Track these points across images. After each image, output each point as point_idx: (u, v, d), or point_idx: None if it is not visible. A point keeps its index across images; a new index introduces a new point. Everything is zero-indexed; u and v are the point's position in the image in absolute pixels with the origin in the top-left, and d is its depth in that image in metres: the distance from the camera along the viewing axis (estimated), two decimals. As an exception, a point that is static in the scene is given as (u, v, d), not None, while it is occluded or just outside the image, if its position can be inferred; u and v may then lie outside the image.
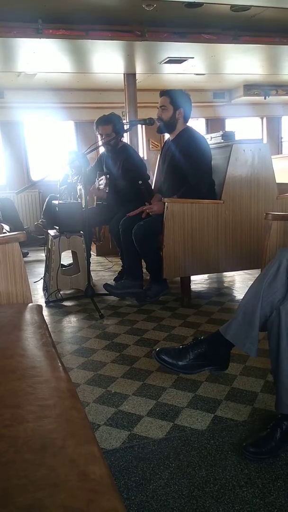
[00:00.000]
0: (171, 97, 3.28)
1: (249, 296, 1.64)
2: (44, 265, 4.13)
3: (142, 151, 7.47)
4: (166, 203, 3.12)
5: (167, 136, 3.55)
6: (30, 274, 4.14)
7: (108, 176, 3.68)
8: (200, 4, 3.83)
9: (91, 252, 4.09)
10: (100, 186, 3.74)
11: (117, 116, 3.77)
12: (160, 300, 3.43)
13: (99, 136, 3.75)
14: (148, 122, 3.36)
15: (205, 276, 4.19)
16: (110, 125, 3.66)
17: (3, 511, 0.65)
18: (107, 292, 3.48)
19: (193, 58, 5.19)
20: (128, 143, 5.08)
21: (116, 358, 2.44)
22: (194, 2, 3.74)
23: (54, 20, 4.13)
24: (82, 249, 3.58)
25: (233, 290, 3.82)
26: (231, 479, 1.45)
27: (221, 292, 3.71)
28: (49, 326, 1.74)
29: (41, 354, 1.28)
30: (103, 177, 3.71)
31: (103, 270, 4.63)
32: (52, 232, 3.72)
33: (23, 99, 6.74)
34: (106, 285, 3.48)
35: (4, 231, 4.27)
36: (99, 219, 3.88)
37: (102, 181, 3.72)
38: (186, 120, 3.35)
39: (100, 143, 3.76)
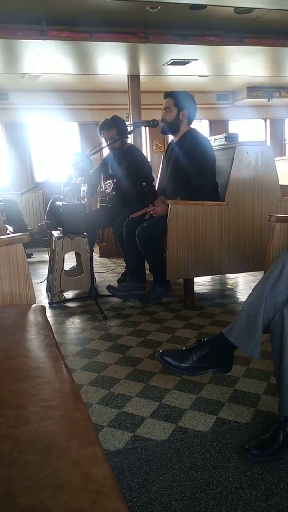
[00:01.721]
0: (175, 98, 3.29)
1: (252, 298, 1.64)
2: (47, 266, 4.14)
3: (146, 153, 7.48)
4: (169, 205, 3.12)
5: (171, 137, 3.56)
6: (33, 275, 4.15)
7: (115, 180, 3.69)
8: (204, 6, 3.83)
9: (95, 254, 4.10)
10: (106, 190, 3.74)
11: (119, 119, 3.77)
12: (163, 301, 3.43)
13: (103, 141, 3.78)
14: (152, 124, 3.36)
15: (208, 277, 4.19)
16: (113, 129, 3.69)
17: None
18: (110, 294, 3.48)
19: (196, 60, 5.19)
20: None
21: (119, 359, 2.45)
22: (198, 4, 3.74)
23: (58, 22, 4.14)
24: (86, 251, 3.58)
25: (236, 292, 3.82)
26: (234, 481, 1.44)
27: (224, 294, 3.71)
28: (52, 327, 1.74)
29: (44, 355, 1.28)
30: (110, 181, 3.71)
31: (107, 271, 4.64)
32: (55, 233, 3.73)
33: (27, 101, 6.76)
34: (109, 287, 3.48)
35: (8, 232, 4.29)
36: (103, 221, 3.89)
37: (108, 185, 3.73)
38: (190, 122, 3.36)
39: (104, 146, 3.78)
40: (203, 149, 3.25)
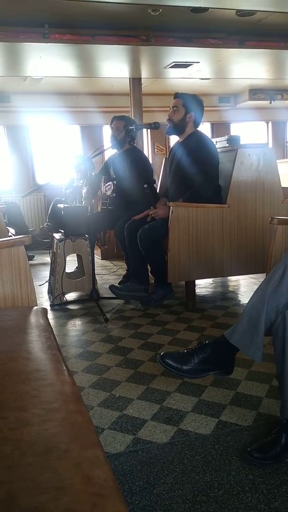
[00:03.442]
0: (185, 100, 3.32)
1: (254, 301, 1.63)
2: (49, 269, 4.14)
3: (148, 155, 7.48)
4: (171, 207, 3.12)
5: (173, 140, 3.56)
6: (35, 277, 4.16)
7: (115, 182, 3.71)
8: (206, 9, 3.84)
9: (96, 256, 4.10)
10: (107, 192, 3.75)
11: (131, 119, 4.03)
12: (164, 304, 3.43)
13: (111, 131, 3.89)
14: (153, 127, 3.37)
15: (210, 280, 4.19)
16: (123, 121, 3.83)
17: (8, 514, 0.66)
18: (112, 296, 3.48)
19: (198, 62, 5.20)
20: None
21: (121, 362, 2.44)
22: (200, 7, 3.75)
23: (60, 25, 4.15)
24: (87, 253, 3.59)
25: (238, 295, 3.81)
26: (236, 484, 1.44)
27: (226, 296, 3.71)
28: (54, 329, 1.74)
29: (46, 357, 1.28)
30: (110, 183, 3.73)
31: (108, 273, 4.64)
32: (57, 236, 3.74)
33: (29, 103, 6.77)
34: (111, 287, 3.48)
35: (9, 234, 4.29)
36: (104, 223, 3.89)
37: (109, 187, 3.74)
38: (196, 125, 3.37)
39: (105, 146, 3.80)
40: (208, 150, 3.25)
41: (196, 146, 3.25)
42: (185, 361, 1.69)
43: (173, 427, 1.78)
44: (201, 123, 3.40)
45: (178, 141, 3.47)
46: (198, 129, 3.41)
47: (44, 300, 3.78)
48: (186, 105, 3.30)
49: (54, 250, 3.80)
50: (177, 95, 3.37)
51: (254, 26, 4.39)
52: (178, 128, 3.36)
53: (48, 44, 4.24)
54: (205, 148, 3.25)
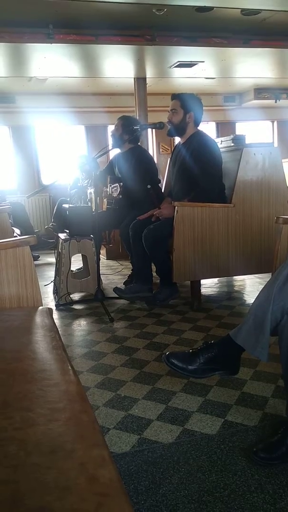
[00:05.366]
0: (182, 100, 3.29)
1: (259, 300, 1.62)
2: (54, 269, 4.15)
3: (153, 155, 7.48)
4: (176, 207, 3.12)
5: (177, 139, 3.56)
6: (40, 277, 4.17)
7: (121, 183, 3.70)
8: (210, 8, 3.83)
9: (101, 256, 4.10)
10: (113, 194, 3.75)
11: (132, 119, 3.99)
12: (170, 304, 3.42)
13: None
14: (158, 126, 3.37)
15: (215, 280, 4.18)
16: (122, 120, 3.86)
17: (13, 513, 0.66)
18: (117, 296, 3.48)
19: (203, 62, 5.19)
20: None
21: (126, 361, 2.44)
22: (205, 6, 3.74)
23: (64, 25, 4.16)
24: (92, 253, 3.59)
25: (244, 294, 3.80)
26: (241, 484, 1.44)
27: (232, 296, 3.70)
28: (59, 329, 1.74)
29: (51, 357, 1.28)
30: (117, 184, 3.72)
31: (113, 273, 4.64)
32: (62, 236, 3.74)
33: (34, 104, 6.79)
34: (116, 289, 3.48)
35: (15, 234, 4.30)
36: (109, 223, 3.89)
37: (115, 188, 3.73)
38: (196, 124, 3.36)
39: (110, 146, 3.82)
40: (210, 151, 3.25)
41: (198, 147, 3.25)
42: (191, 361, 1.69)
43: (178, 427, 1.78)
44: (202, 121, 3.39)
45: (180, 142, 3.46)
46: (199, 128, 3.40)
47: (49, 300, 3.79)
48: (185, 105, 3.29)
49: (59, 250, 3.80)
50: (174, 97, 3.36)
51: (259, 25, 4.38)
52: (179, 130, 3.36)
53: (52, 44, 4.26)
54: (207, 149, 3.24)
